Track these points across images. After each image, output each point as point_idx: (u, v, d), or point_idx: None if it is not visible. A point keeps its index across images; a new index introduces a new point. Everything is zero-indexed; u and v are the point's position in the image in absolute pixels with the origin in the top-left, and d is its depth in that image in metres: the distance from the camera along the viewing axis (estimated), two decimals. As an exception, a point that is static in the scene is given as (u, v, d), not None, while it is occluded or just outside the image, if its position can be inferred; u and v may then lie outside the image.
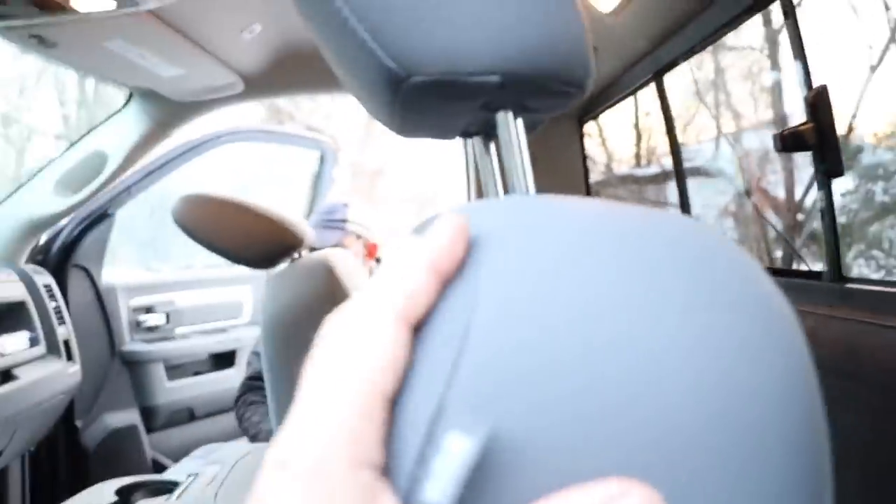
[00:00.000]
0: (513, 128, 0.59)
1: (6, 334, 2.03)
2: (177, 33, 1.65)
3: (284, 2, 1.72)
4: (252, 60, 1.95)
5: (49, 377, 2.12)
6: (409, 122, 0.64)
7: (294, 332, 1.53)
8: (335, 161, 3.42)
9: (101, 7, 1.37)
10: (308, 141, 3.29)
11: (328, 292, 1.64)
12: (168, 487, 1.59)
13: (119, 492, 1.57)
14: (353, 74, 0.60)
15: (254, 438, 2.30)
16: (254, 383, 2.42)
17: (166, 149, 2.64)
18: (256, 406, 2.37)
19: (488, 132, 0.68)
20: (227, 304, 3.16)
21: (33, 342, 2.13)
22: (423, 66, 0.51)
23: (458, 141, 0.69)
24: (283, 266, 1.74)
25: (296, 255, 1.75)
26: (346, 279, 1.71)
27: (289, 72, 2.06)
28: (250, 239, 1.64)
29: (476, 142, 0.70)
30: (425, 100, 0.56)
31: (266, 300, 1.63)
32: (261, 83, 2.06)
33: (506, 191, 0.61)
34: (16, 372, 2.01)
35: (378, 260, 2.45)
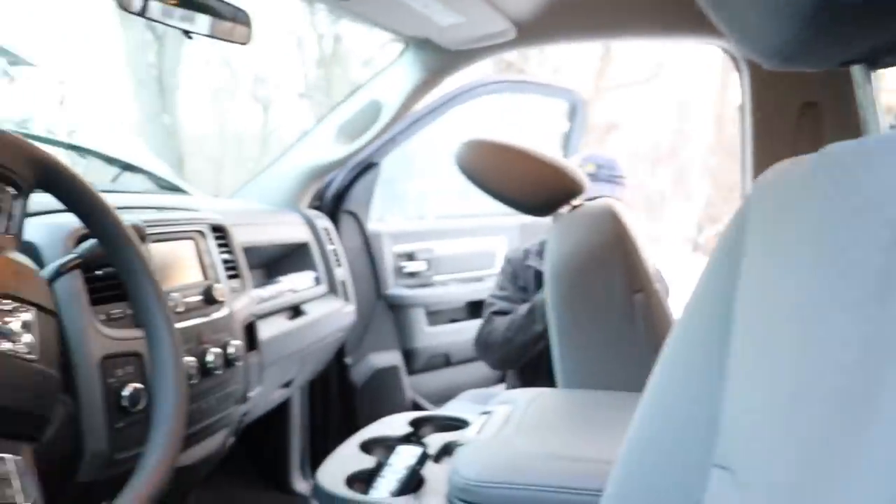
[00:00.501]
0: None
1: (295, 273, 2.19)
2: (463, -22, 1.67)
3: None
4: (527, 7, 1.94)
5: (330, 315, 2.27)
6: (803, 47, 0.59)
7: (581, 277, 1.53)
8: (585, 112, 3.38)
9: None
10: (560, 91, 3.28)
11: (616, 239, 1.61)
12: (457, 424, 1.66)
13: (412, 423, 1.66)
14: None
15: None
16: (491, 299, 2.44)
17: (427, 100, 2.71)
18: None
19: (874, 60, 0.64)
20: (482, 253, 3.23)
21: (317, 281, 2.27)
22: None
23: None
24: (562, 212, 1.74)
25: (574, 202, 1.73)
26: (632, 227, 1.69)
27: (561, 19, 2.03)
28: (531, 185, 1.64)
29: (857, 71, 0.65)
30: (856, 19, 0.52)
31: (551, 246, 1.63)
32: (533, 30, 2.05)
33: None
34: (304, 308, 2.16)
35: None
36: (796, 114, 2.02)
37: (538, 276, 2.37)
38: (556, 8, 1.98)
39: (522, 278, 2.43)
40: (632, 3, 2.00)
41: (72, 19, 5.32)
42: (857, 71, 0.62)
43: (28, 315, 0.93)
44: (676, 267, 2.36)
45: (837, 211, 0.54)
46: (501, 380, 2.85)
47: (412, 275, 3.01)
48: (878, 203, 0.49)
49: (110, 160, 2.19)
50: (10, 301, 0.91)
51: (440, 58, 2.14)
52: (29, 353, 0.92)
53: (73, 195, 1.04)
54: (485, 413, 1.55)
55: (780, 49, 0.60)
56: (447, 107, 2.74)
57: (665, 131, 12.49)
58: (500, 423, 1.45)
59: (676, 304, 2.36)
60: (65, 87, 3.67)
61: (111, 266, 1.17)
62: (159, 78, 6.21)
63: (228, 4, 1.56)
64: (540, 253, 2.40)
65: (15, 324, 0.91)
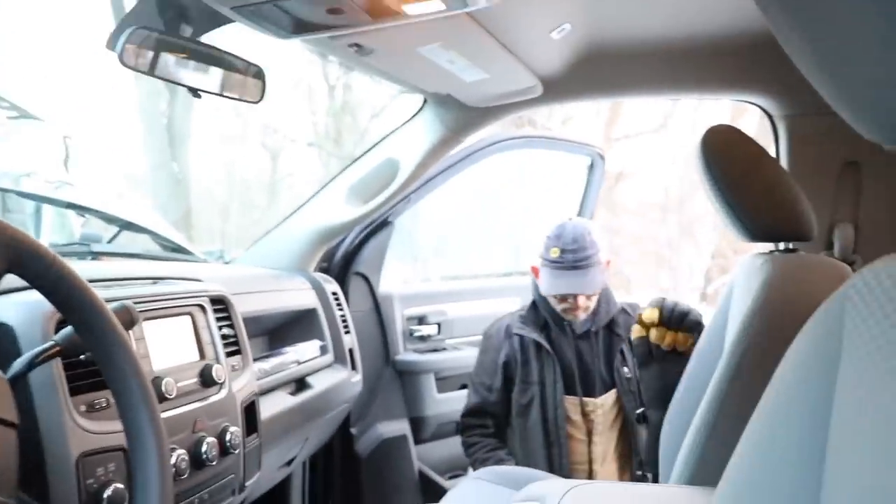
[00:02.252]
0: None
1: (300, 342, 2.05)
2: (489, 36, 1.56)
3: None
4: (555, 63, 1.84)
5: (337, 386, 2.13)
6: None
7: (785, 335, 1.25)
8: (603, 168, 3.28)
9: (431, 10, 1.30)
10: (580, 147, 3.17)
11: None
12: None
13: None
14: None
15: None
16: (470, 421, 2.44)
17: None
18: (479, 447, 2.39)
19: None
20: (495, 315, 3.09)
21: (323, 350, 2.14)
22: None
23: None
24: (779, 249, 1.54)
25: (791, 245, 1.53)
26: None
27: (589, 75, 1.93)
28: (766, 200, 1.47)
29: None
30: None
31: (755, 286, 1.42)
32: (560, 87, 1.95)
33: None
34: (309, 380, 2.01)
35: None
36: (837, 173, 1.96)
37: (525, 344, 2.36)
38: (584, 65, 1.89)
39: (505, 352, 2.39)
40: (664, 59, 1.91)
41: (84, 70, 5.28)
42: None
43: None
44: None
45: None
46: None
47: (423, 338, 2.88)
48: None
49: (110, 219, 2.08)
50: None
51: (462, 115, 2.03)
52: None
53: (48, 281, 0.90)
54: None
55: None
56: (465, 163, 2.63)
57: (674, 180, 12.47)
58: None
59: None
60: (70, 141, 3.59)
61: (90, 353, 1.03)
62: (169, 126, 6.15)
63: (241, 59, 1.44)
64: (525, 320, 2.40)
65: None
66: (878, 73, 0.54)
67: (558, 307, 2.29)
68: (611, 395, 2.32)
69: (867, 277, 0.61)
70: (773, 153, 2.07)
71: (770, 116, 2.09)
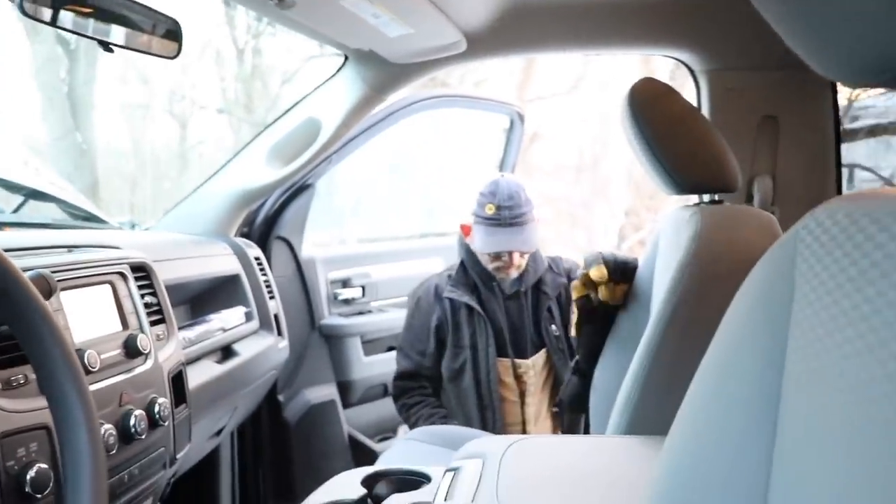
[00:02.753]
0: None
1: (225, 309, 1.99)
2: (415, -13, 1.52)
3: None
4: (479, 17, 1.82)
5: (264, 353, 2.09)
6: None
7: (718, 288, 1.24)
8: (523, 127, 3.28)
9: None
10: (500, 106, 3.16)
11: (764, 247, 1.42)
12: (417, 481, 1.48)
13: (365, 482, 1.47)
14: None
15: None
16: (406, 384, 2.42)
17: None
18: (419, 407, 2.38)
19: None
20: (419, 275, 3.07)
21: (248, 317, 2.08)
22: None
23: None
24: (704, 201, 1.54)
25: (716, 196, 1.53)
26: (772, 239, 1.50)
27: (513, 30, 1.91)
28: (692, 154, 1.46)
29: None
30: None
31: (684, 241, 1.41)
32: (484, 43, 1.93)
33: None
34: (235, 347, 1.96)
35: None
36: (756, 127, 2.01)
37: (456, 307, 2.33)
38: (509, 20, 1.87)
39: (436, 316, 2.37)
40: (587, 14, 1.91)
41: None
42: None
43: None
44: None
45: None
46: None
47: (347, 302, 2.84)
48: None
49: (14, 187, 1.96)
50: None
51: (384, 72, 1.99)
52: None
53: None
54: (450, 470, 1.37)
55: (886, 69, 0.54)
56: (385, 123, 2.58)
57: (587, 141, 12.63)
58: (472, 484, 1.27)
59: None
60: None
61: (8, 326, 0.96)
62: (70, 95, 5.89)
63: (153, 13, 1.36)
64: (454, 283, 2.37)
65: None
66: (837, 12, 0.53)
67: (490, 265, 2.28)
68: (541, 356, 2.32)
69: (821, 218, 0.60)
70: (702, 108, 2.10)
71: (692, 71, 2.11)
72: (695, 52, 2.00)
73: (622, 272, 1.80)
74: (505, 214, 2.20)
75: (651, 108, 1.47)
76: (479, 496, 1.21)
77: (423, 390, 2.38)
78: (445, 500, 1.23)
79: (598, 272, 1.77)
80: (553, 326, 2.31)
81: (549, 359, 2.32)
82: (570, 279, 2.31)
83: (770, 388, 0.62)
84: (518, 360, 2.30)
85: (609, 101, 12.22)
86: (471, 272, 2.35)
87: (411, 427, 2.33)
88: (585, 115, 12.45)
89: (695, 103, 2.13)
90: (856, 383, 0.53)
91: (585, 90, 12.28)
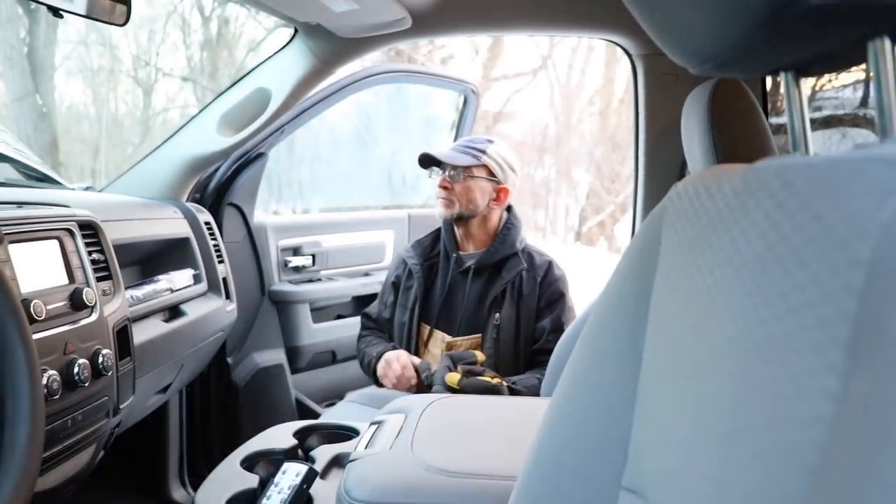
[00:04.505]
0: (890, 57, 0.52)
1: (173, 270, 2.05)
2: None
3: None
4: (424, -5, 1.87)
5: (211, 314, 2.15)
6: (739, 55, 0.58)
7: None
8: (477, 104, 3.35)
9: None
10: (453, 83, 3.22)
11: None
12: (345, 434, 1.58)
13: (297, 434, 1.56)
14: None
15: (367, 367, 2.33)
16: (366, 322, 2.49)
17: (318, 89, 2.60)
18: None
19: (803, 68, 0.62)
20: (369, 246, 3.15)
21: (197, 279, 2.14)
22: None
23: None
24: None
25: None
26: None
27: (456, 10, 1.98)
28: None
29: (790, 78, 0.63)
30: (799, 28, 0.50)
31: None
32: (428, 20, 1.98)
33: (883, 132, 0.52)
34: (183, 308, 2.03)
35: (509, 208, 2.38)
36: None
37: (408, 268, 2.37)
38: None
39: (396, 273, 2.43)
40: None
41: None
42: (786, 77, 0.61)
43: None
44: (561, 257, 2.31)
45: (784, 236, 0.51)
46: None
47: (297, 269, 2.91)
48: (842, 239, 0.45)
49: (-33, 146, 2.00)
50: None
51: (332, 45, 2.04)
52: None
53: None
54: (375, 423, 1.46)
55: (715, 56, 0.59)
56: (338, 96, 2.64)
57: (551, 122, 12.72)
58: (392, 435, 1.37)
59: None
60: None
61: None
62: (30, 56, 5.84)
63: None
64: (415, 246, 2.41)
65: None
66: (681, 2, 0.59)
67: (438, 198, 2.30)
68: (473, 339, 2.27)
69: (680, 189, 0.67)
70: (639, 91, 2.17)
71: (629, 55, 2.19)
72: (629, 37, 2.07)
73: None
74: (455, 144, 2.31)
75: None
76: (396, 445, 1.31)
77: (379, 333, 2.44)
78: (366, 448, 1.32)
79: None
80: (498, 315, 2.22)
81: (481, 344, 2.25)
82: (545, 276, 2.28)
83: (634, 344, 0.68)
84: (440, 332, 2.31)
85: (573, 82, 12.33)
86: (441, 242, 2.38)
87: (361, 360, 2.38)
88: (550, 96, 12.55)
89: (633, 88, 2.21)
90: (693, 337, 0.59)
91: (550, 71, 12.36)
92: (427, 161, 2.31)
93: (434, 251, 2.39)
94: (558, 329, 2.20)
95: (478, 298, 2.27)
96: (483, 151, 2.26)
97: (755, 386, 0.50)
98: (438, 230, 2.41)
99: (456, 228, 2.34)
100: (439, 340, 2.29)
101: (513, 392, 2.01)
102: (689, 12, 0.58)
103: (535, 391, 2.05)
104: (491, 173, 2.27)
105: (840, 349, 0.44)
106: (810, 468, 0.43)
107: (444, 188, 2.25)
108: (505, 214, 2.35)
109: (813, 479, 0.43)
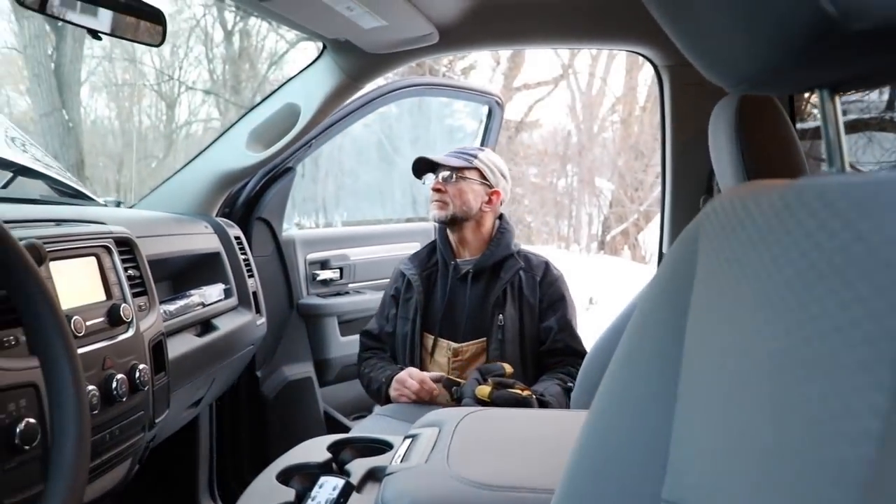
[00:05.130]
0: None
1: (205, 285, 2.08)
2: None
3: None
4: (450, 11, 1.89)
5: (242, 328, 2.17)
6: (776, 76, 0.58)
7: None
8: (502, 115, 3.36)
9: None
10: (478, 95, 3.23)
11: None
12: (379, 447, 1.58)
13: (331, 448, 1.57)
14: (751, 19, 0.55)
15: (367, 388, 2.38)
16: (367, 342, 2.50)
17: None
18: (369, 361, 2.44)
19: (836, 86, 0.62)
20: (396, 259, 3.16)
21: (227, 293, 2.16)
22: (866, 12, 0.47)
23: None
24: None
25: None
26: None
27: (484, 24, 1.99)
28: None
29: (825, 95, 0.63)
30: (842, 50, 0.51)
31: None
32: (456, 35, 2.00)
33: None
34: (215, 322, 2.05)
35: (501, 216, 2.41)
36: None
37: (407, 280, 2.39)
38: (479, 14, 1.94)
39: (395, 286, 2.45)
40: (554, 10, 1.98)
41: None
42: (822, 94, 0.61)
43: None
44: (585, 266, 2.32)
45: (827, 255, 0.51)
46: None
47: (325, 283, 2.93)
48: (886, 259, 0.45)
49: (2, 163, 2.02)
50: None
51: (360, 61, 2.06)
52: None
53: None
54: (409, 436, 1.47)
55: (752, 77, 0.60)
56: (365, 110, 2.66)
57: (573, 131, 12.73)
58: (427, 448, 1.38)
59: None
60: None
61: (2, 290, 1.05)
62: (57, 72, 5.93)
63: (140, 1, 1.45)
64: (412, 258, 2.45)
65: None
66: (718, 24, 0.60)
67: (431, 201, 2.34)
68: (478, 344, 2.28)
69: (716, 204, 0.67)
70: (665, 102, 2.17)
71: (655, 66, 2.19)
72: (655, 48, 2.08)
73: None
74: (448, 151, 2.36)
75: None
76: (432, 459, 1.32)
77: (381, 353, 2.44)
78: (401, 462, 1.33)
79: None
80: (500, 315, 2.24)
81: (486, 348, 2.26)
82: (544, 276, 2.31)
83: (673, 357, 0.68)
84: (445, 341, 2.31)
85: (595, 90, 12.32)
86: (438, 252, 2.41)
87: (363, 381, 2.40)
88: (571, 105, 12.55)
89: (657, 98, 2.22)
90: (733, 353, 0.59)
91: (572, 80, 12.36)
92: (421, 168, 2.38)
93: (431, 261, 2.42)
94: (565, 328, 2.25)
95: (479, 302, 2.29)
96: (474, 156, 2.33)
97: (799, 402, 0.50)
98: (434, 242, 2.46)
99: (450, 234, 2.38)
100: (444, 349, 2.30)
101: (542, 404, 2.02)
102: (730, 35, 0.59)
103: (560, 398, 2.06)
104: (483, 176, 2.33)
105: (886, 367, 0.44)
106: (862, 482, 0.44)
107: (438, 191, 2.31)
108: (497, 221, 2.40)
109: (866, 493, 0.43)
